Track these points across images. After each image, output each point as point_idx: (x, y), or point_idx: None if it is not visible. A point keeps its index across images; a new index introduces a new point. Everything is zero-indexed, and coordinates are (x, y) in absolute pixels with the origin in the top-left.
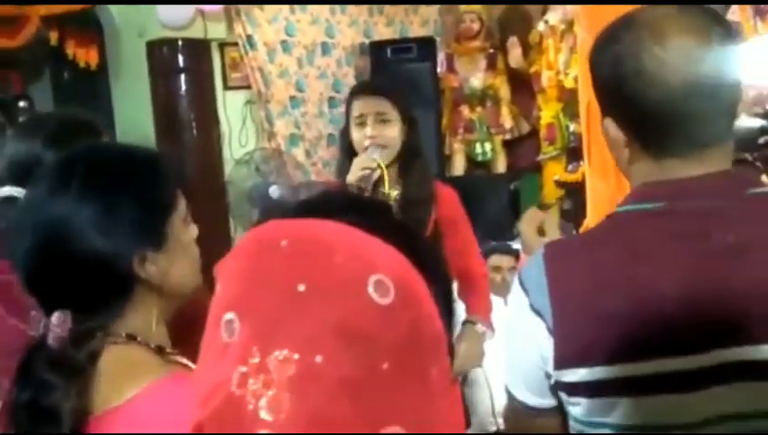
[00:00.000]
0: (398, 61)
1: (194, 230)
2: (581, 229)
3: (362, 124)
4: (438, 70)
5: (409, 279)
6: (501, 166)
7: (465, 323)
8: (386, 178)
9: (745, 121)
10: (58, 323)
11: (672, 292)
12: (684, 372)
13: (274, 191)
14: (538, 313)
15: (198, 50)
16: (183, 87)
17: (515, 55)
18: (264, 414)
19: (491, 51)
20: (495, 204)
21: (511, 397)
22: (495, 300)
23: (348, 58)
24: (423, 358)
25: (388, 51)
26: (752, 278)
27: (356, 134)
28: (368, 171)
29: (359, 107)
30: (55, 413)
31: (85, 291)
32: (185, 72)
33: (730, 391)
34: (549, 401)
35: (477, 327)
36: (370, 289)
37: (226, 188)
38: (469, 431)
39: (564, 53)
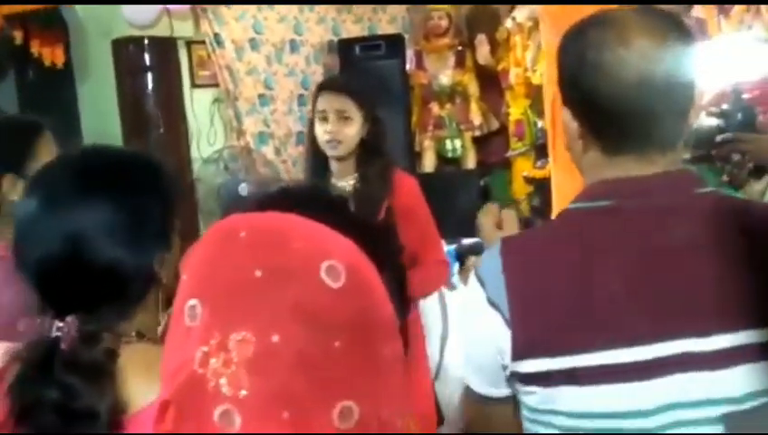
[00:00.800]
0: (367, 58)
1: None
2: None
3: (324, 120)
4: (407, 67)
5: (360, 266)
6: (471, 162)
7: None
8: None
9: (705, 120)
10: (71, 327)
11: (619, 287)
12: (632, 363)
13: (243, 189)
14: (495, 305)
15: (165, 48)
16: (150, 85)
17: (483, 52)
18: (224, 390)
19: (459, 48)
20: (466, 200)
21: (467, 388)
22: None
23: (316, 56)
24: (372, 338)
25: (357, 48)
26: (695, 274)
27: (318, 128)
28: None
29: (322, 102)
30: (91, 414)
31: (106, 296)
32: (151, 71)
33: (675, 381)
34: (503, 391)
35: None
36: (323, 273)
37: (195, 187)
38: (444, 424)
39: (532, 51)
